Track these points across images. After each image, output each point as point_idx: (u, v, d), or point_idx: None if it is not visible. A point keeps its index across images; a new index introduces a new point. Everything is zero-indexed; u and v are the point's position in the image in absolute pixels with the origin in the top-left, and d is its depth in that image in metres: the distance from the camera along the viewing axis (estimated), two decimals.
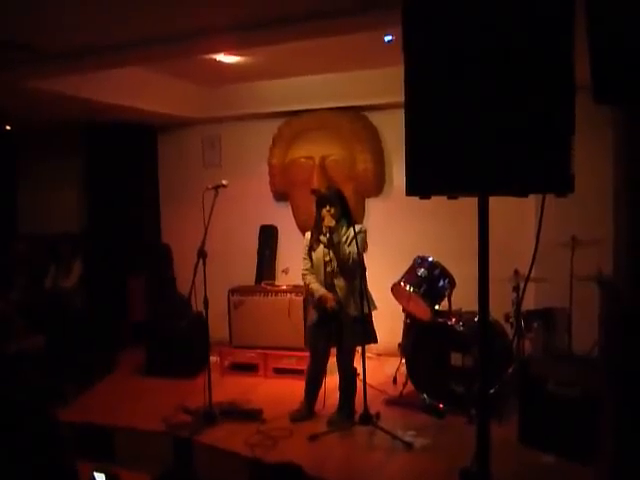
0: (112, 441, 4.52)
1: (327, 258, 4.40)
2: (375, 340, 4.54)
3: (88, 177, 7.41)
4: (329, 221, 4.29)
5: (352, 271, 4.36)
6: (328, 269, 4.41)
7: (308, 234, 4.58)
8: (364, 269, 4.39)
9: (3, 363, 4.94)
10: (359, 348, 4.37)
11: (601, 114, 3.85)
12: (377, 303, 4.56)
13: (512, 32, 1.75)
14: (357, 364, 4.46)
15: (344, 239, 4.35)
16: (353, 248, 4.28)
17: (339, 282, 4.40)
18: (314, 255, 4.49)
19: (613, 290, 2.98)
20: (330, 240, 4.33)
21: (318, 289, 4.45)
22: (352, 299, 4.37)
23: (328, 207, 4.31)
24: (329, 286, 4.42)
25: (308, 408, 4.67)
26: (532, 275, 2.29)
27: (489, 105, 1.77)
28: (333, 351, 4.60)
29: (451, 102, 1.82)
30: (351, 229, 4.34)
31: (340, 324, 4.41)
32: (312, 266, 4.51)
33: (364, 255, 4.45)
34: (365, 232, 4.45)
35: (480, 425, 2.06)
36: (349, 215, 4.45)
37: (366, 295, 4.37)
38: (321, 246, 4.45)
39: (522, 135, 1.75)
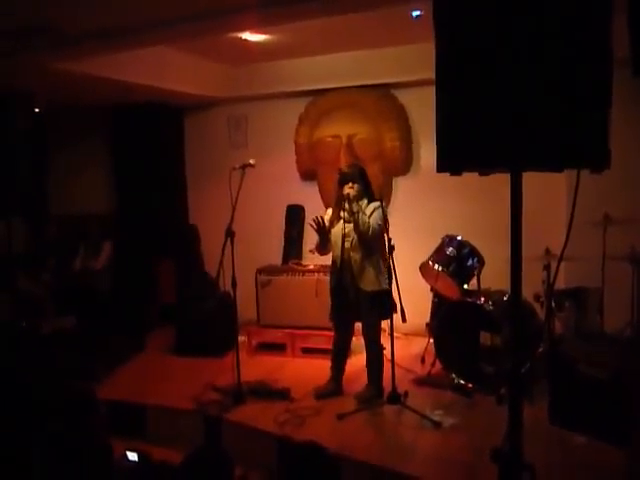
0: (143, 419, 4.60)
1: (345, 231, 4.39)
2: (389, 315, 4.33)
3: (116, 158, 7.45)
4: (350, 191, 4.29)
5: (370, 244, 4.34)
6: (346, 244, 4.39)
7: (330, 210, 4.59)
8: (391, 247, 4.22)
9: (38, 343, 5.03)
10: (386, 324, 4.39)
11: None
12: (405, 282, 4.40)
13: (547, 4, 1.69)
14: (384, 341, 4.49)
15: (367, 211, 4.34)
16: (373, 219, 4.29)
17: (355, 256, 4.36)
18: (333, 230, 4.49)
19: None
20: (350, 209, 4.31)
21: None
22: (366, 274, 4.35)
23: (351, 184, 4.33)
24: (345, 261, 4.40)
25: (335, 382, 4.69)
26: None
27: (523, 78, 1.72)
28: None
29: (484, 77, 1.77)
30: (372, 205, 4.37)
31: (357, 299, 4.40)
32: (330, 241, 4.52)
33: (389, 233, 4.36)
34: (384, 207, 4.40)
35: (512, 404, 2.03)
36: (371, 193, 4.46)
37: (389, 271, 4.25)
38: (341, 222, 4.44)
39: (557, 109, 1.69)
